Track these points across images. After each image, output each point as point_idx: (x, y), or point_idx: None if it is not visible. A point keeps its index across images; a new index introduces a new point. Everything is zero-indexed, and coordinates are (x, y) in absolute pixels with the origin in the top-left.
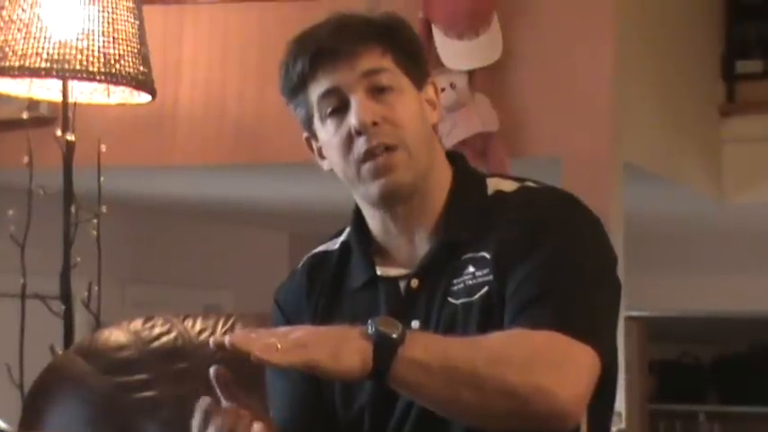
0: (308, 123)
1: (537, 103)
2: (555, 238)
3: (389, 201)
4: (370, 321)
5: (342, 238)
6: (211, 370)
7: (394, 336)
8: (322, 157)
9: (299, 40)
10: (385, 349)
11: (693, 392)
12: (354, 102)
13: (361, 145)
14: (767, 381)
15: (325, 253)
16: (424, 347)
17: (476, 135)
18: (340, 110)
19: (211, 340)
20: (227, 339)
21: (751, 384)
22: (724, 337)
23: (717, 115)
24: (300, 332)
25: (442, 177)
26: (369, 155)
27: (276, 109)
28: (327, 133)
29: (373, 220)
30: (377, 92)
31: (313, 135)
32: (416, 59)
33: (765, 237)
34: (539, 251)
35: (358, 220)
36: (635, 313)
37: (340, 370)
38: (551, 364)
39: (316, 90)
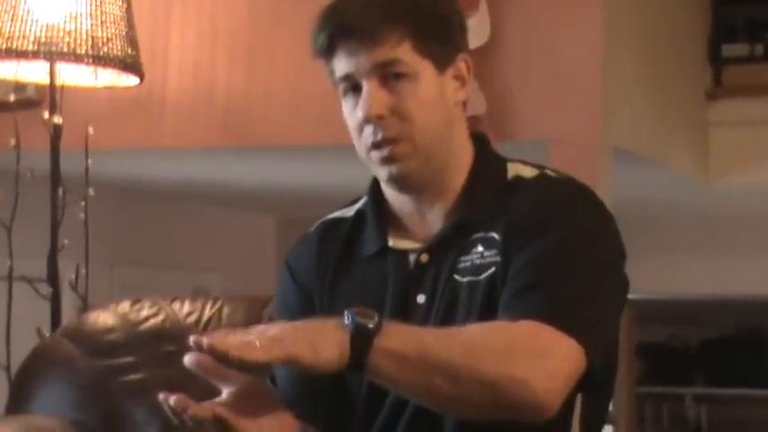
0: (336, 86)
1: (525, 87)
2: (561, 229)
3: (399, 186)
4: (346, 312)
5: (357, 206)
6: (186, 360)
7: (370, 326)
8: None
9: (330, 8)
10: (361, 340)
11: (680, 375)
12: (364, 91)
13: (368, 135)
14: (754, 363)
15: (340, 219)
16: (400, 338)
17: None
18: (356, 91)
19: (191, 339)
20: (204, 341)
21: (738, 367)
22: (711, 319)
23: (703, 99)
24: (276, 328)
25: (463, 158)
26: (374, 145)
27: (264, 92)
28: (346, 109)
29: (390, 193)
30: (391, 78)
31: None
32: (443, 38)
33: (752, 220)
34: (543, 239)
35: (375, 189)
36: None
37: (320, 362)
38: (530, 355)
39: (337, 66)
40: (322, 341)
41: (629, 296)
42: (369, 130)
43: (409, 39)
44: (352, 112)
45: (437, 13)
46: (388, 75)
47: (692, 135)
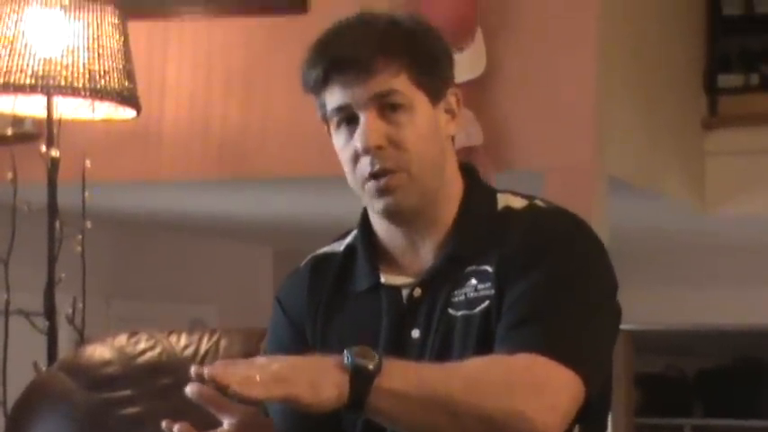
0: (325, 119)
1: (521, 117)
2: (554, 261)
3: (393, 218)
4: (346, 351)
5: (347, 240)
6: (188, 390)
7: (370, 367)
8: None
9: (322, 42)
10: (361, 381)
11: (679, 406)
12: (362, 122)
13: (365, 165)
14: (751, 394)
15: (330, 254)
16: (400, 377)
17: (460, 149)
18: (350, 123)
19: (192, 369)
20: (206, 371)
21: (736, 397)
22: (708, 350)
23: (699, 128)
24: (278, 364)
25: (454, 190)
26: (371, 176)
27: (261, 124)
28: (338, 142)
29: (381, 227)
30: (388, 109)
31: (327, 129)
32: (435, 71)
33: (748, 249)
34: (536, 272)
35: (365, 224)
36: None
37: (319, 402)
38: (529, 388)
39: (330, 99)
40: (322, 381)
41: (626, 326)
42: (366, 160)
43: (405, 71)
44: (346, 144)
45: (431, 47)
46: (385, 106)
47: (688, 165)
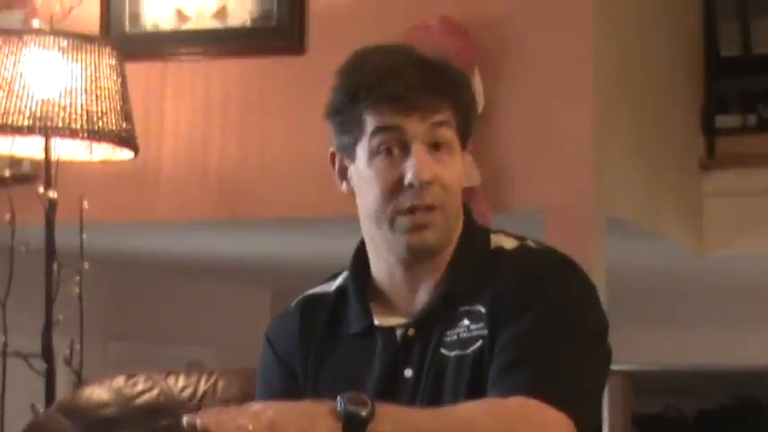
0: (348, 144)
1: (519, 158)
2: (545, 302)
3: (414, 256)
4: (339, 398)
5: (338, 282)
6: (185, 421)
7: (363, 414)
8: (343, 177)
9: (373, 78)
10: (354, 428)
11: None
12: (416, 154)
13: (408, 198)
14: None
15: (321, 295)
16: (393, 422)
17: None
18: (391, 152)
19: (184, 420)
20: (198, 421)
21: None
22: (708, 390)
23: (697, 169)
24: (271, 411)
25: (457, 234)
26: (412, 209)
27: (259, 165)
28: (374, 169)
29: (379, 266)
30: (433, 147)
31: (346, 154)
32: (471, 119)
33: (747, 290)
34: (528, 314)
35: (358, 264)
36: (618, 367)
37: None
38: (523, 431)
39: (375, 121)
40: (314, 428)
41: (625, 367)
42: (410, 193)
43: (452, 113)
44: (386, 172)
45: (471, 93)
46: (434, 142)
47: (686, 205)
